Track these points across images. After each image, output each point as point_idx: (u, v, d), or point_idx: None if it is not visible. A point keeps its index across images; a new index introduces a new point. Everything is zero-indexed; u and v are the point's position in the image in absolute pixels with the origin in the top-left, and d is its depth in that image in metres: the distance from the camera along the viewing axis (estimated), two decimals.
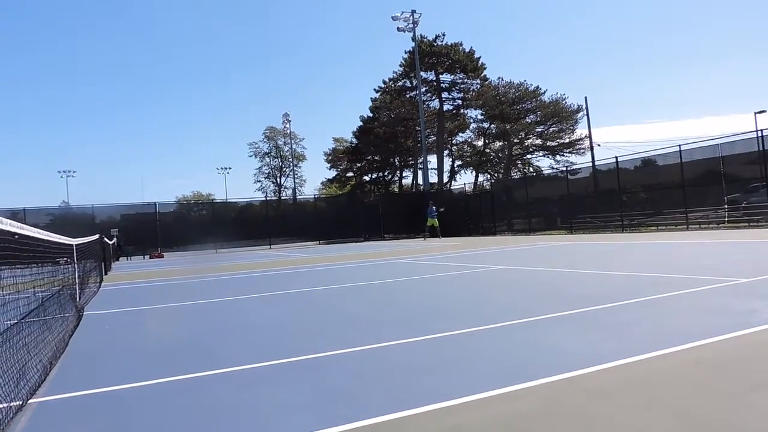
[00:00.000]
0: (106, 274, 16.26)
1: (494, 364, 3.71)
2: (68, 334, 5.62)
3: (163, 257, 29.62)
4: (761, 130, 18.96)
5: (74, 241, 8.41)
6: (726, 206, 20.20)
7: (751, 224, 18.88)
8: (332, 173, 62.22)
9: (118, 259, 27.89)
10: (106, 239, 18.93)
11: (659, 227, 21.93)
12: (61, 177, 66.70)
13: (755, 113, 35.85)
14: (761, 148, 18.66)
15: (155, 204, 32.89)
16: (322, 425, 2.71)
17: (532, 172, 46.80)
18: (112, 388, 3.70)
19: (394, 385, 3.39)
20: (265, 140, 69.30)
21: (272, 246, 33.09)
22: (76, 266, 8.17)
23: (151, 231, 32.15)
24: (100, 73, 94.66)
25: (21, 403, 3.26)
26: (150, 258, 29.64)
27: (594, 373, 3.27)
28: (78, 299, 7.87)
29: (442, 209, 28.83)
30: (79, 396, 3.58)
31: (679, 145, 21.16)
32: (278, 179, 70.10)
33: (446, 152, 52.43)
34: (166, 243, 32.56)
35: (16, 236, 3.42)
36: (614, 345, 3.95)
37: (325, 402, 3.11)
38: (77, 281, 8.17)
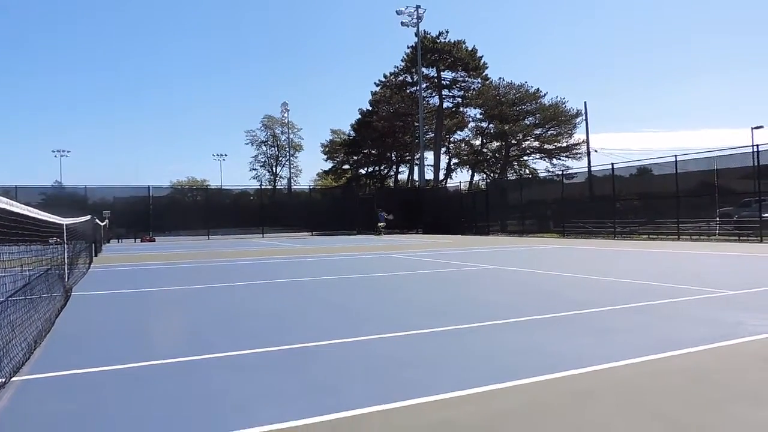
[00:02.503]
0: (96, 255, 16.18)
1: (482, 361, 3.72)
2: (55, 314, 5.59)
3: (154, 241, 29.48)
4: (757, 146, 19.07)
5: (65, 221, 8.34)
6: (718, 219, 20.33)
7: (741, 238, 19.01)
8: (328, 165, 62.19)
9: (108, 241, 27.74)
10: (97, 220, 18.82)
11: (651, 236, 22.04)
12: (55, 156, 66.03)
13: (752, 128, 35.89)
14: (756, 164, 18.77)
15: (149, 187, 32.67)
16: (305, 414, 2.71)
17: (528, 174, 46.87)
18: (97, 369, 3.69)
19: (380, 377, 3.40)
20: (262, 128, 69.05)
21: (265, 235, 33.00)
22: (65, 246, 8.11)
23: (143, 214, 31.95)
24: (100, 57, 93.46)
25: (4, 380, 3.24)
26: (141, 241, 29.50)
27: (580, 376, 3.29)
28: (66, 279, 7.82)
29: (390, 216, 33.39)
30: (63, 376, 3.56)
31: (675, 156, 21.27)
32: (274, 168, 69.90)
33: (443, 150, 52.42)
34: (158, 227, 32.38)
35: None
36: (601, 349, 3.97)
37: (309, 391, 3.11)
38: (66, 261, 8.12)
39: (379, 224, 33.38)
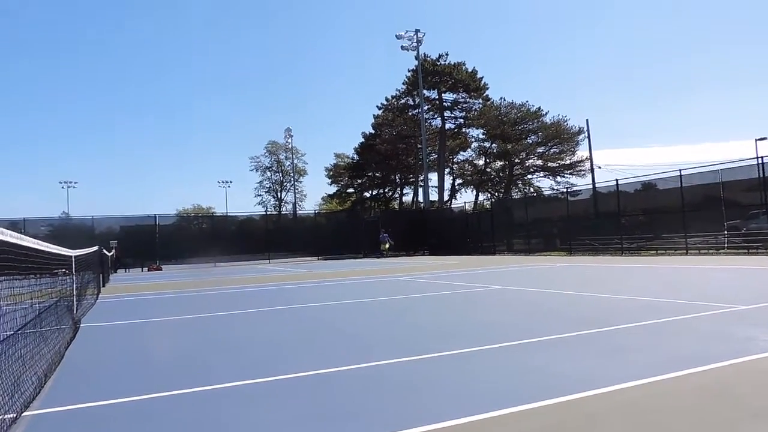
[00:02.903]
0: (104, 286, 16.22)
1: (490, 385, 3.70)
2: (64, 346, 5.60)
3: (161, 270, 29.52)
4: (761, 157, 19.04)
5: (73, 253, 8.40)
6: (726, 232, 20.19)
7: (750, 251, 18.85)
8: (333, 189, 62.34)
9: (116, 271, 27.82)
10: (105, 251, 18.91)
11: (658, 251, 21.89)
12: (62, 187, 66.59)
13: (756, 140, 35.95)
14: (761, 175, 18.72)
15: (155, 216, 32.87)
16: None
17: (532, 193, 46.84)
18: (106, 402, 3.68)
19: (388, 404, 3.37)
20: (266, 154, 69.61)
21: (271, 260, 33.01)
22: (74, 278, 8.16)
23: (150, 243, 32.08)
24: (104, 85, 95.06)
25: (15, 415, 3.24)
26: (148, 270, 29.56)
27: (590, 398, 3.26)
28: (75, 311, 7.84)
29: (388, 242, 33.82)
30: (73, 410, 3.56)
31: (680, 170, 21.24)
32: (279, 194, 70.25)
33: (447, 170, 52.59)
34: (165, 255, 32.46)
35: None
36: (611, 369, 3.94)
37: (317, 420, 3.10)
38: (75, 293, 8.15)
39: (384, 245, 33.51)
